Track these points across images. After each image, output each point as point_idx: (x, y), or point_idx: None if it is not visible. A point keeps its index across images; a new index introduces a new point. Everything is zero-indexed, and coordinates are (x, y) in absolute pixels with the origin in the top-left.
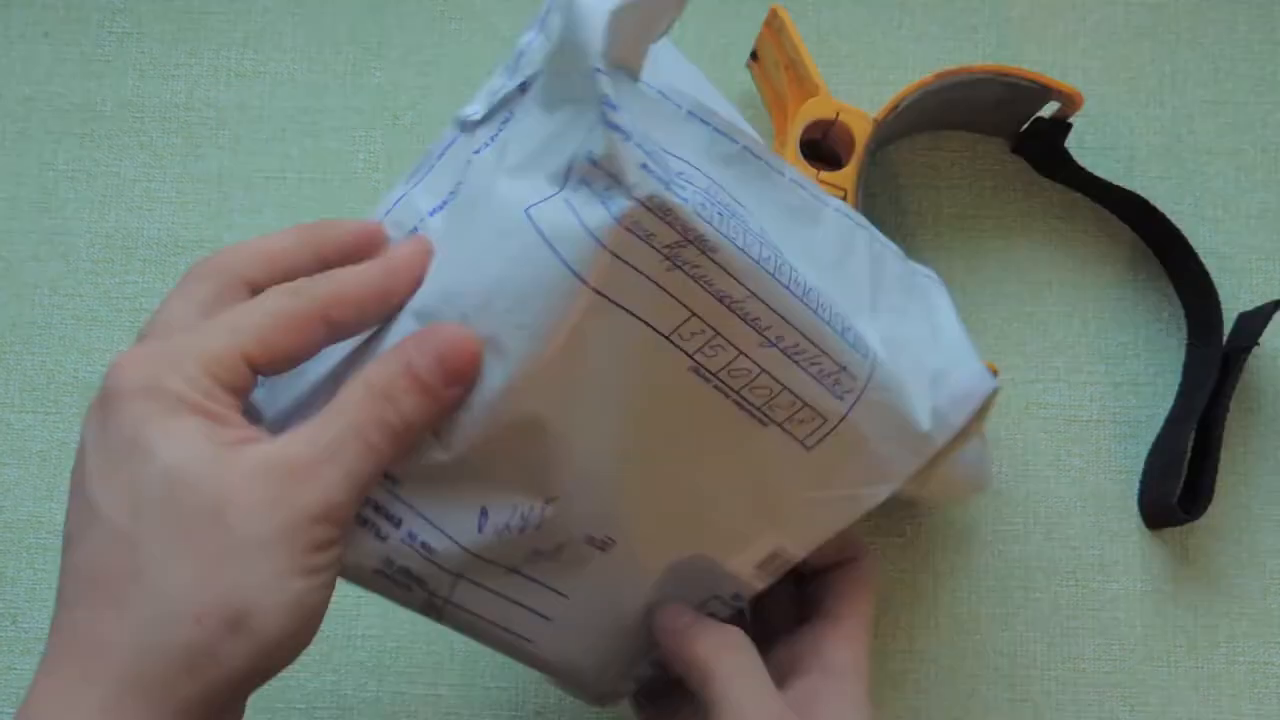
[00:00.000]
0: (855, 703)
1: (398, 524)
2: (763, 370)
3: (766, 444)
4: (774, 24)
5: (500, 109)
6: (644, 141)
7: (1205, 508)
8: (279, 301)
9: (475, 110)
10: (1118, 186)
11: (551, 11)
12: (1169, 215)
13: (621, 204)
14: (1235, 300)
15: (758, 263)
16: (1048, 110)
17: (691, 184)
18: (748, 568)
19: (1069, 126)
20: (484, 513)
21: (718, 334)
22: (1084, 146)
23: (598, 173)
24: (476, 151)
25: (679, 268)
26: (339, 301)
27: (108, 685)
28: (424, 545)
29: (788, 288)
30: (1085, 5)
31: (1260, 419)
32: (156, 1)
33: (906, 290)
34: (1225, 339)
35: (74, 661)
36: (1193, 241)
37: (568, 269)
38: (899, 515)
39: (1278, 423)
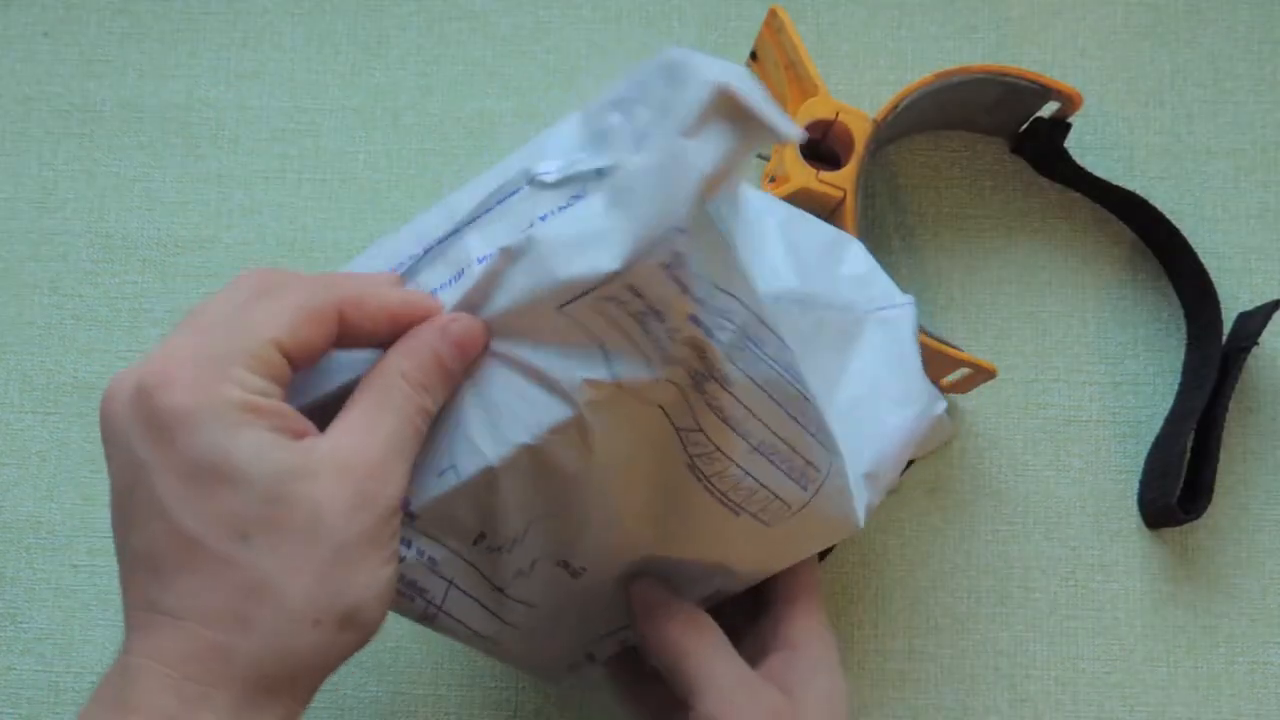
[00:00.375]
0: (827, 667)
1: (409, 545)
2: (747, 474)
3: (736, 527)
4: (773, 24)
5: (574, 183)
6: (698, 288)
7: (1205, 507)
8: (299, 295)
9: (549, 171)
10: (1117, 186)
11: (639, 104)
12: (1169, 215)
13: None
14: (1235, 300)
15: (767, 392)
16: (1047, 110)
17: (730, 323)
18: (694, 599)
19: (1068, 126)
20: (481, 534)
21: (717, 449)
22: (1084, 146)
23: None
24: (542, 218)
25: (699, 390)
26: (355, 304)
27: (235, 691)
28: (430, 559)
29: (784, 407)
30: (1085, 5)
31: (1260, 419)
32: (156, 1)
33: (846, 342)
34: (1225, 339)
35: (196, 672)
36: (1192, 241)
37: None
38: (899, 515)
39: (1277, 422)
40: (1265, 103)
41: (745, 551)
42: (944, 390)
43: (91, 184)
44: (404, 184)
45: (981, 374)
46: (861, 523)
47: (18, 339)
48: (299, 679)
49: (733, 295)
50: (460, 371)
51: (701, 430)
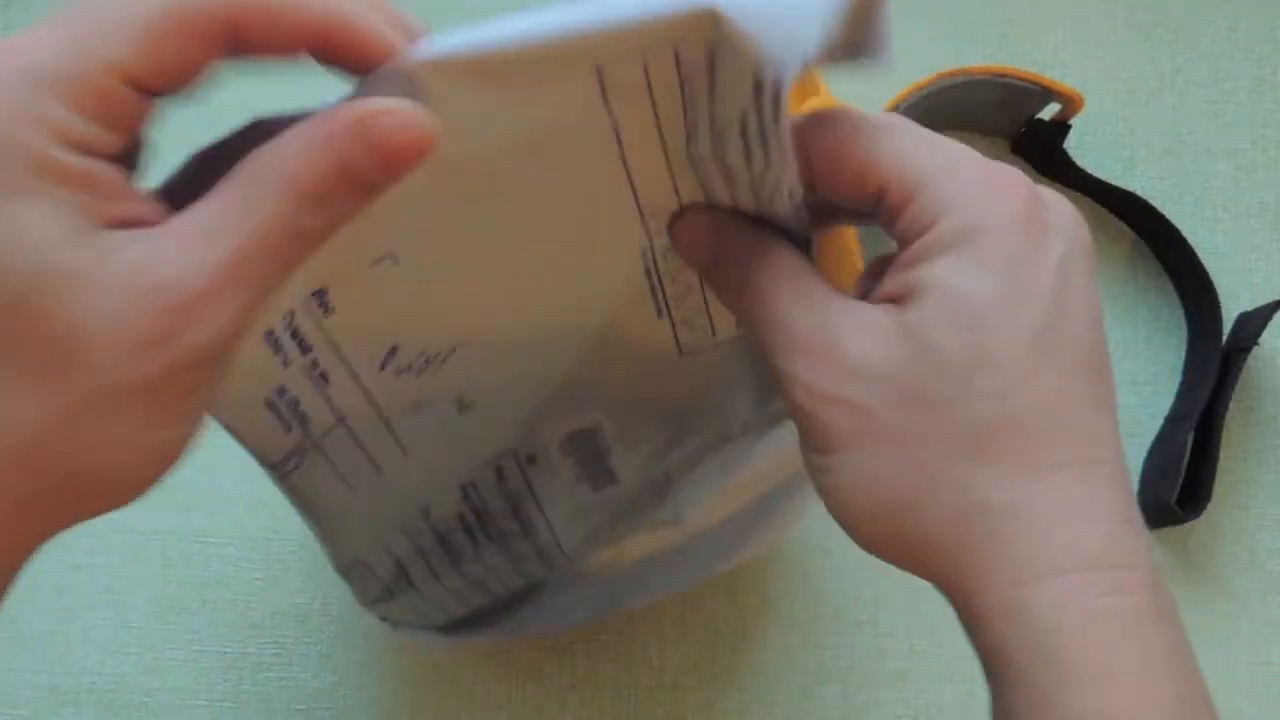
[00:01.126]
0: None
1: (307, 350)
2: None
3: (650, 336)
4: None
5: None
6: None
7: (1204, 507)
8: None
9: None
10: (1117, 187)
11: None
12: (1169, 215)
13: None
14: (1235, 300)
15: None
16: (1048, 112)
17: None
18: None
19: (1068, 128)
20: (393, 349)
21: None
22: (1084, 146)
23: None
24: None
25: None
26: (260, 10)
27: None
28: (322, 375)
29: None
30: (1085, 5)
31: (1260, 419)
32: None
33: None
34: (1225, 338)
35: None
36: (1193, 241)
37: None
38: None
39: (1278, 422)
40: (1265, 103)
41: (644, 380)
42: None
43: None
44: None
45: None
46: None
47: None
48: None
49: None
50: (383, 183)
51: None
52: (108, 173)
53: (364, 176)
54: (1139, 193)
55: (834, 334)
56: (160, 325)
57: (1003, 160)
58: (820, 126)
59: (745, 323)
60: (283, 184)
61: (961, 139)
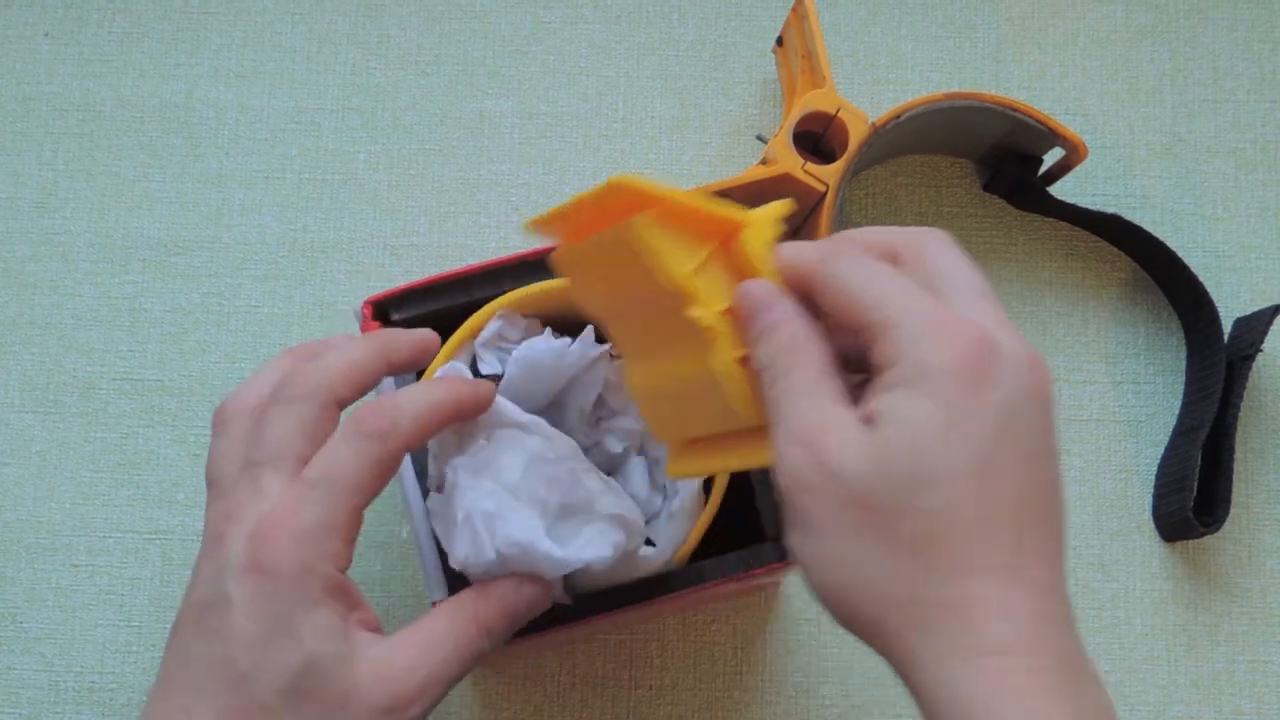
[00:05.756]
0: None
1: None
2: None
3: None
4: (800, 11)
5: None
6: None
7: (1224, 519)
8: (363, 443)
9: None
10: (1098, 212)
11: None
12: (1168, 215)
13: None
14: (1235, 299)
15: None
16: (1052, 157)
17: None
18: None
19: (1039, 162)
20: None
21: None
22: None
23: None
24: None
25: None
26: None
27: None
28: None
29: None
30: (1085, 5)
31: (1260, 419)
32: (156, 1)
33: None
34: (1225, 340)
35: None
36: (1193, 241)
37: None
38: None
39: (1278, 422)
40: (1265, 102)
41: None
42: None
43: (91, 184)
44: (404, 184)
45: None
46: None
47: (18, 339)
48: None
49: None
50: (521, 623)
51: None
52: (352, 586)
53: (518, 619)
54: (1139, 193)
55: (825, 439)
56: (393, 702)
57: (975, 198)
58: (809, 266)
59: (770, 390)
60: (472, 620)
61: (955, 166)
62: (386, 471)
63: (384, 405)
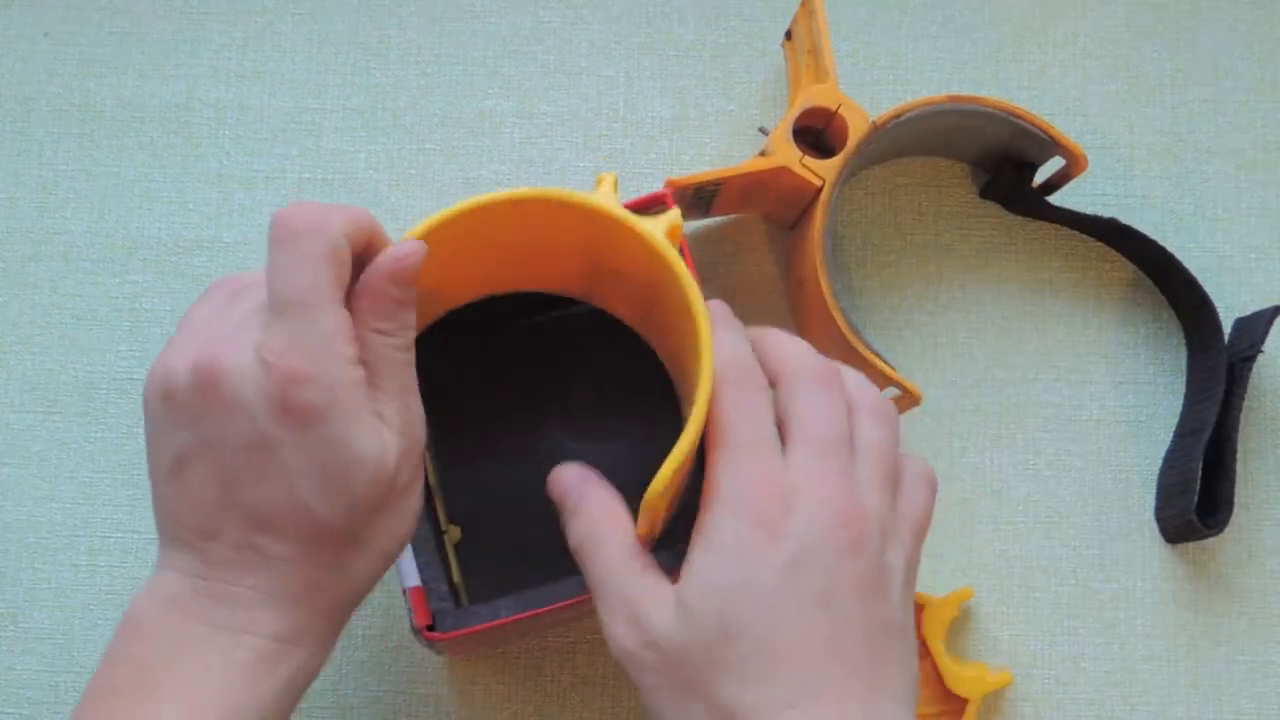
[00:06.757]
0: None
1: None
2: None
3: None
4: (809, 6)
5: None
6: None
7: (1226, 523)
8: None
9: None
10: (1094, 216)
11: None
12: (1168, 216)
13: None
14: (1236, 299)
15: None
16: (1052, 166)
17: None
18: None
19: (1034, 168)
20: None
21: None
22: (1084, 147)
23: None
24: None
25: None
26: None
27: (324, 618)
28: None
29: None
30: (1085, 5)
31: (1260, 420)
32: (156, 1)
33: None
34: (1226, 341)
35: (299, 597)
36: (1192, 241)
37: None
38: None
39: (1278, 423)
40: (1265, 103)
41: None
42: None
43: (91, 184)
44: (404, 184)
45: (908, 398)
46: None
47: (18, 339)
48: (354, 604)
49: None
50: (412, 297)
51: None
52: (361, 370)
53: (401, 298)
54: (1138, 194)
55: (641, 611)
56: (411, 448)
57: (975, 198)
58: None
59: (586, 568)
60: (392, 349)
61: (955, 166)
62: (339, 270)
63: (302, 207)
